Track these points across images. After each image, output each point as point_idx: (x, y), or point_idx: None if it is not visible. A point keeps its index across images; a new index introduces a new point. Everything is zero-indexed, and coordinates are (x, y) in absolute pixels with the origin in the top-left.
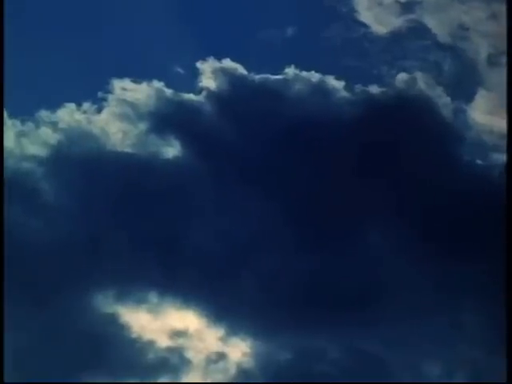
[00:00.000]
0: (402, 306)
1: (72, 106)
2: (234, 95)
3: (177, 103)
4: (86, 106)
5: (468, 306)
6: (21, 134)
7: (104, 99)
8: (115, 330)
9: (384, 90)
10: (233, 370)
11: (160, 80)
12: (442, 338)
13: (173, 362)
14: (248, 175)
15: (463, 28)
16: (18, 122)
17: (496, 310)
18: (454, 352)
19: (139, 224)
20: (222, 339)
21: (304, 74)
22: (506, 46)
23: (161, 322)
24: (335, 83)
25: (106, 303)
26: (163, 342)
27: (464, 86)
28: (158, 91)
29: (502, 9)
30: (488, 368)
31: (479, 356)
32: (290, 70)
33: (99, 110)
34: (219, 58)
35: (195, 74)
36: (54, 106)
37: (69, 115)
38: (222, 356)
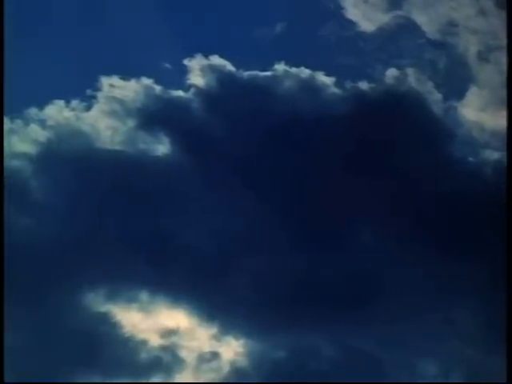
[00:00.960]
0: (398, 305)
1: (61, 103)
2: (223, 92)
3: (166, 100)
4: (74, 103)
5: (465, 305)
6: (9, 132)
7: (93, 96)
8: (106, 329)
9: (374, 86)
10: (226, 369)
11: (149, 77)
12: (440, 336)
13: (165, 360)
14: (238, 172)
15: (452, 24)
16: (6, 120)
17: (495, 308)
18: (453, 351)
19: (130, 222)
20: (215, 338)
21: (294, 70)
22: (506, 42)
23: (152, 321)
24: (325, 79)
25: (97, 302)
26: (155, 341)
27: (455, 82)
28: (147, 88)
29: (491, 5)
30: (487, 368)
31: (478, 355)
32: (280, 67)
33: (88, 108)
34: (208, 54)
35: (184, 70)
36: (42, 103)
37: (57, 112)
38: (214, 355)
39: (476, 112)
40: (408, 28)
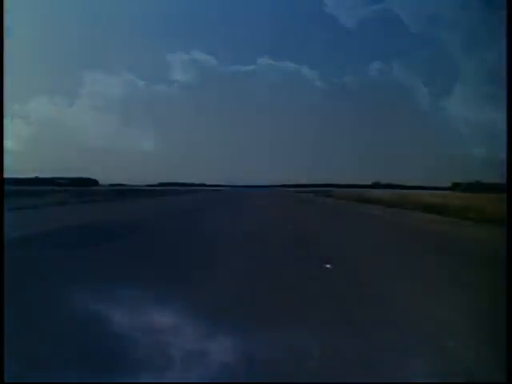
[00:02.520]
0: (393, 303)
1: (44, 98)
2: (206, 86)
3: (149, 95)
4: (58, 98)
5: (464, 304)
6: None
7: (76, 92)
8: (95, 328)
9: (358, 80)
10: (217, 368)
11: (131, 72)
12: (438, 335)
13: (154, 359)
14: (224, 166)
15: (436, 18)
16: None
17: (495, 307)
18: (452, 350)
19: (116, 217)
20: (206, 336)
21: (277, 64)
22: (506, 38)
23: (142, 319)
24: (309, 73)
25: (84, 299)
26: (145, 339)
27: (440, 77)
28: (130, 83)
29: None
30: (487, 368)
31: (477, 355)
32: (263, 61)
33: (71, 103)
34: (190, 50)
35: (167, 65)
36: (26, 99)
37: (41, 108)
38: (206, 353)
39: (461, 106)
40: (391, 22)
